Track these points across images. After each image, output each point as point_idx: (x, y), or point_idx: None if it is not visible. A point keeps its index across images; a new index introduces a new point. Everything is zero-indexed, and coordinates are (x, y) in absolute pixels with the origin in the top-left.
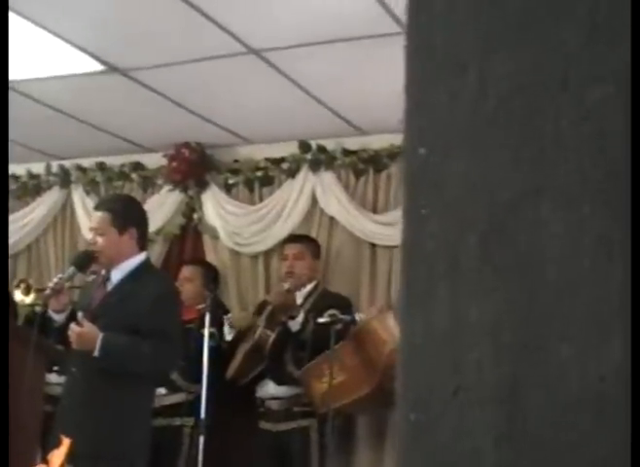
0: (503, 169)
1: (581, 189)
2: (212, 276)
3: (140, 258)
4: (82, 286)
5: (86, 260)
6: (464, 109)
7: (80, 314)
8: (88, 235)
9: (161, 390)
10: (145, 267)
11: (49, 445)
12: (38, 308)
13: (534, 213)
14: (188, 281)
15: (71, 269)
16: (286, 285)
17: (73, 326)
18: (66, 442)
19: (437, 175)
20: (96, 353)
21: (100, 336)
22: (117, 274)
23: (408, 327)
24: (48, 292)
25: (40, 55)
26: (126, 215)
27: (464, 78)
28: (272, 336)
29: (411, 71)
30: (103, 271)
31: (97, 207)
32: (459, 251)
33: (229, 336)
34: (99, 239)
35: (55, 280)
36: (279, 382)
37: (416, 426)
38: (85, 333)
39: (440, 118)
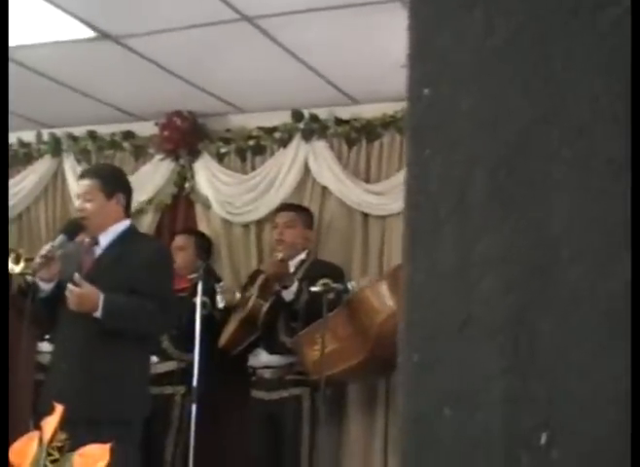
0: (513, 101)
1: (591, 113)
2: (205, 246)
3: (126, 223)
4: (63, 255)
5: (75, 228)
6: (470, 46)
7: (77, 275)
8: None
9: (153, 358)
10: (132, 231)
11: (39, 412)
12: (29, 278)
13: (544, 141)
14: (180, 250)
15: (61, 237)
16: (280, 255)
17: (71, 287)
18: (59, 408)
19: (442, 114)
20: (98, 314)
21: (102, 296)
22: (105, 239)
23: (412, 266)
24: (39, 260)
25: (30, 21)
26: (114, 181)
27: (470, 16)
28: (266, 305)
29: (415, 15)
30: (87, 239)
31: (83, 176)
32: (465, 188)
33: (221, 304)
34: (87, 205)
35: (48, 248)
36: (272, 351)
37: (420, 366)
38: (85, 293)
39: (445, 56)
